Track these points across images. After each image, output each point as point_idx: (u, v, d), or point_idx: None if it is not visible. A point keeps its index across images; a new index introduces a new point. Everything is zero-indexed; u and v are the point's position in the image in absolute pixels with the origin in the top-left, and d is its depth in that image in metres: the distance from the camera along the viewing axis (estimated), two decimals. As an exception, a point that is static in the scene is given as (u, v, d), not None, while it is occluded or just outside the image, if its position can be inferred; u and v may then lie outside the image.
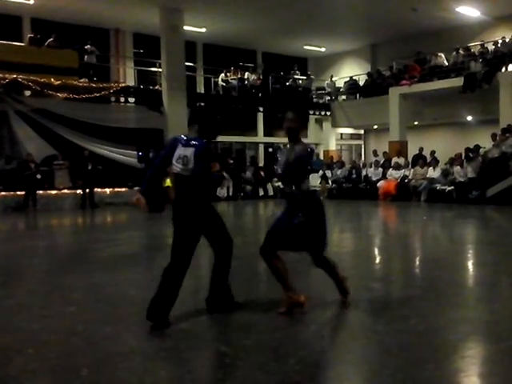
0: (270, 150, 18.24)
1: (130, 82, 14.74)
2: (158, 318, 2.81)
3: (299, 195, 2.94)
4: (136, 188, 12.16)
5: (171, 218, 2.97)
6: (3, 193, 10.94)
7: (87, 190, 11.42)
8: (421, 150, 13.39)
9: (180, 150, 2.94)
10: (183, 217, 2.92)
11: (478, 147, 11.69)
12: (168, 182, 10.04)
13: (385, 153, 14.15)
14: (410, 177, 12.47)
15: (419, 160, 12.73)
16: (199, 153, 2.90)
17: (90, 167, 11.42)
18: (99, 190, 11.74)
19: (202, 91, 16.40)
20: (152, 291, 2.87)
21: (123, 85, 13.55)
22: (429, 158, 12.63)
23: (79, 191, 11.57)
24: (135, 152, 12.22)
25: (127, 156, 12.52)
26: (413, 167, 12.72)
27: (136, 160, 11.99)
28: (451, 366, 2.37)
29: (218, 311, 3.10)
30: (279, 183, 3.03)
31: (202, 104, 2.95)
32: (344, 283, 3.29)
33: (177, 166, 2.95)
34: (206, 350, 2.61)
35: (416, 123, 15.40)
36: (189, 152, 2.90)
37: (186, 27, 13.46)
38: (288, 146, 3.05)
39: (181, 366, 2.43)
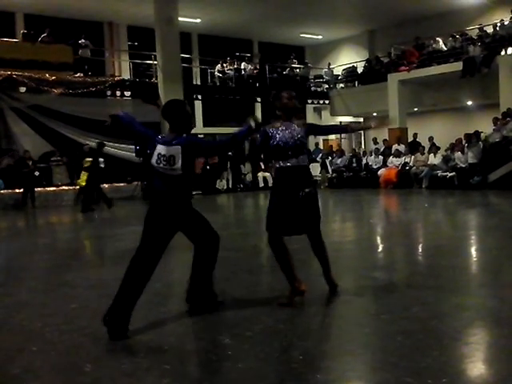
0: (258, 136, 18.09)
1: (126, 75, 14.62)
2: (117, 325, 2.62)
3: (308, 167, 3.03)
4: (135, 182, 12.14)
5: (148, 216, 2.82)
6: (1, 191, 10.90)
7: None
8: (415, 135, 13.31)
9: (160, 150, 2.81)
10: (166, 217, 2.79)
11: (477, 133, 11.61)
12: (83, 180, 9.79)
13: (385, 140, 14.08)
14: (410, 164, 12.41)
15: (415, 146, 12.66)
16: (188, 150, 2.78)
17: None
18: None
19: (199, 83, 16.28)
20: (153, 286, 2.85)
21: (118, 78, 13.44)
22: (428, 145, 12.57)
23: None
24: (133, 146, 12.14)
25: (125, 150, 12.46)
26: (410, 154, 12.66)
27: (134, 154, 11.92)
28: (455, 353, 2.37)
29: (198, 311, 2.93)
30: (284, 159, 3.08)
31: (174, 98, 2.91)
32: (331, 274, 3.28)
33: (158, 167, 2.82)
34: (209, 343, 2.60)
35: (416, 109, 15.29)
36: (174, 151, 2.77)
37: (180, 18, 13.31)
38: (281, 124, 3.04)
39: (184, 359, 2.42)
